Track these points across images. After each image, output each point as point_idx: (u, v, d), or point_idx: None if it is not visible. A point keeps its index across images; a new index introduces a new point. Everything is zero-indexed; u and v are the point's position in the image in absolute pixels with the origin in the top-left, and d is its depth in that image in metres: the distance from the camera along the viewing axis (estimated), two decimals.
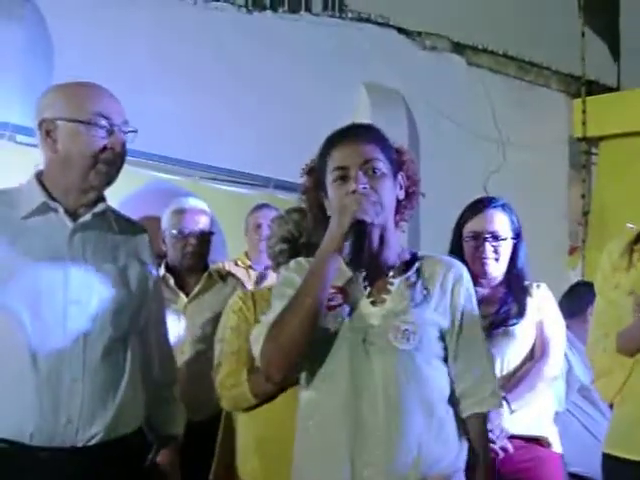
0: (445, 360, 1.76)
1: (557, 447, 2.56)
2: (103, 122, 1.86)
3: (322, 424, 1.72)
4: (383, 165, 1.74)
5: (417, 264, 1.79)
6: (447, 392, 1.75)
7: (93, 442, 1.80)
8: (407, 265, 1.78)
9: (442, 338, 1.75)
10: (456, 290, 1.76)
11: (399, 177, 1.80)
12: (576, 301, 3.31)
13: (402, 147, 1.86)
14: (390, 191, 1.75)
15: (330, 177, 1.75)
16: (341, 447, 1.67)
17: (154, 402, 2.04)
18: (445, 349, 1.76)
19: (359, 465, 1.66)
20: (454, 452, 1.72)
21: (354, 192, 1.67)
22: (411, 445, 1.65)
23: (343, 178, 1.72)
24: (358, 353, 1.70)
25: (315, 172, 1.81)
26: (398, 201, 1.80)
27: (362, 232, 1.66)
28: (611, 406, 2.25)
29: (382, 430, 1.66)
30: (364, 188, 1.68)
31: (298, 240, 2.29)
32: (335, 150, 1.76)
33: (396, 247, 1.80)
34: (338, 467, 1.67)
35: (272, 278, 2.77)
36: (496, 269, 2.57)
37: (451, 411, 1.74)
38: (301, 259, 1.83)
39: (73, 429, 1.78)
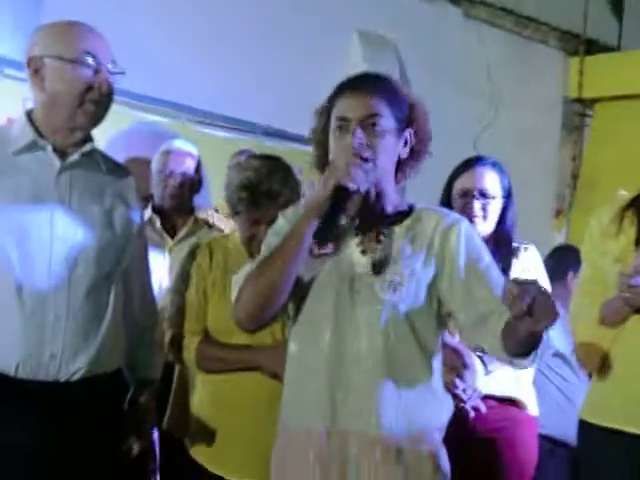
0: (437, 315, 1.73)
1: (533, 409, 2.58)
2: (90, 61, 1.86)
3: (304, 377, 1.73)
4: (386, 121, 1.69)
5: (412, 216, 1.76)
6: (434, 346, 1.73)
7: (75, 377, 1.85)
8: (403, 216, 1.76)
9: (434, 291, 1.72)
10: (451, 239, 1.71)
11: (406, 134, 1.74)
12: (557, 265, 3.31)
13: (417, 102, 1.79)
14: (390, 149, 1.71)
15: (332, 125, 1.72)
16: (323, 400, 1.68)
17: (135, 344, 2.08)
18: (438, 302, 1.73)
19: (342, 419, 1.66)
20: (438, 407, 1.73)
21: (350, 147, 1.64)
22: (394, 399, 1.66)
23: (342, 129, 1.69)
24: (344, 302, 1.69)
25: (324, 115, 1.77)
26: (400, 158, 1.75)
27: (343, 198, 1.62)
28: (590, 374, 2.27)
29: (365, 383, 1.66)
30: (359, 144, 1.65)
31: (258, 187, 2.22)
32: (341, 98, 1.73)
33: (393, 200, 1.77)
34: (320, 422, 1.68)
35: (231, 226, 2.72)
36: (483, 227, 2.54)
37: (437, 366, 1.73)
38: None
39: (56, 364, 1.83)
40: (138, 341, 2.09)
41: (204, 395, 2.33)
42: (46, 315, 1.82)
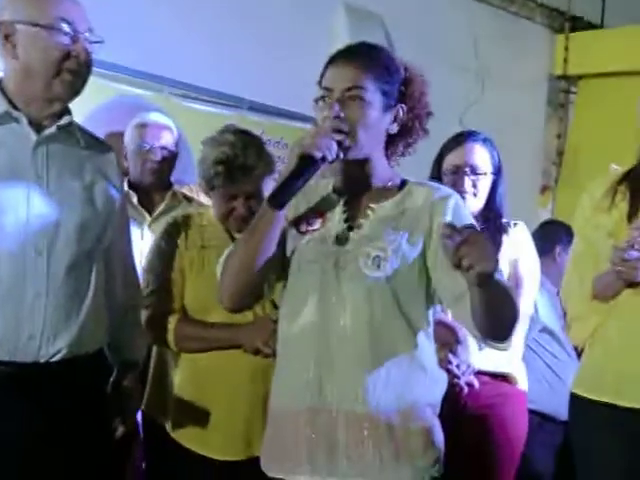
0: (426, 291, 1.68)
1: (523, 384, 2.58)
2: (66, 28, 1.78)
3: (291, 356, 1.70)
4: (370, 94, 1.64)
5: (403, 191, 1.72)
6: (422, 323, 1.68)
7: (56, 359, 1.79)
8: (393, 192, 1.72)
9: (422, 267, 1.67)
10: (439, 213, 1.66)
11: (397, 109, 1.70)
12: (544, 240, 3.30)
13: (415, 78, 1.74)
14: (373, 123, 1.66)
15: (318, 95, 1.69)
16: (309, 379, 1.64)
17: (118, 325, 2.02)
18: (427, 278, 1.68)
19: (329, 397, 1.63)
20: (429, 384, 1.69)
21: (327, 119, 1.62)
22: (381, 376, 1.62)
23: (325, 99, 1.66)
24: (329, 278, 1.66)
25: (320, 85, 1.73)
26: (390, 134, 1.71)
27: (308, 167, 1.58)
28: (582, 349, 2.26)
29: (351, 360, 1.63)
30: (335, 117, 1.61)
31: (233, 162, 2.18)
32: (329, 68, 1.70)
33: (383, 176, 1.73)
34: (307, 401, 1.65)
35: (206, 202, 2.67)
36: (473, 204, 2.52)
37: (426, 344, 1.68)
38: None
39: (35, 345, 1.77)
40: (121, 321, 2.03)
41: (184, 375, 2.29)
42: (24, 293, 1.75)
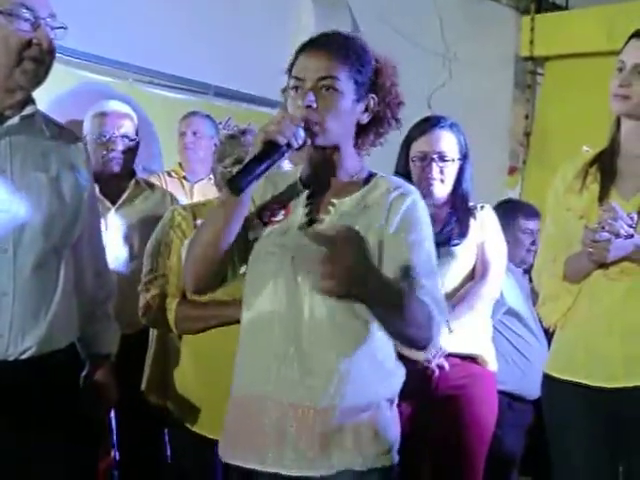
0: None
1: (492, 365, 2.61)
2: (26, 14, 1.71)
3: (248, 346, 1.69)
4: (342, 84, 1.62)
5: (368, 185, 1.70)
6: None
7: (25, 356, 1.75)
8: (356, 187, 1.70)
9: (379, 263, 1.62)
10: (394, 209, 1.64)
11: (368, 99, 1.67)
12: (505, 219, 3.30)
13: (386, 67, 1.71)
14: (345, 113, 1.63)
15: (290, 84, 1.66)
16: (264, 370, 1.63)
17: (88, 319, 1.98)
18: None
19: (281, 390, 1.61)
20: (385, 379, 1.67)
21: (300, 109, 1.59)
22: (336, 371, 1.59)
23: (297, 89, 1.64)
24: (286, 271, 1.64)
25: (288, 74, 1.70)
26: (360, 124, 1.68)
27: (271, 153, 1.56)
28: (549, 330, 2.28)
29: (307, 355, 1.60)
30: (307, 107, 1.60)
31: None
32: (300, 57, 1.66)
33: (350, 168, 1.71)
34: (260, 391, 1.63)
35: (212, 193, 2.68)
36: (441, 190, 2.55)
37: (384, 337, 1.62)
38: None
39: (4, 343, 1.72)
40: (91, 315, 2.00)
41: (185, 355, 2.34)
42: None
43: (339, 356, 1.60)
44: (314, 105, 1.60)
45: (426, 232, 1.67)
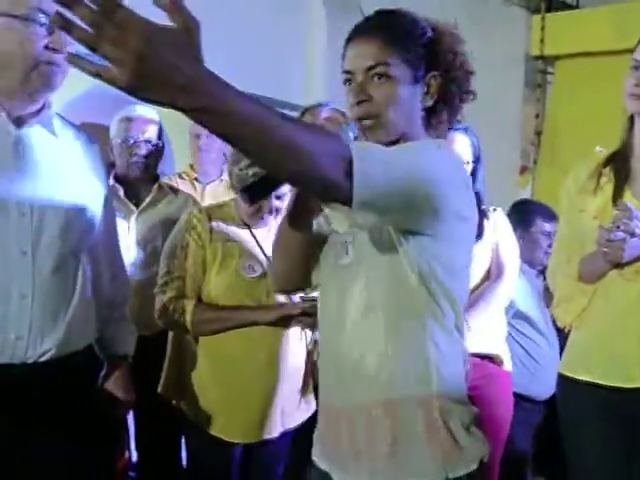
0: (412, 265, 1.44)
1: (508, 365, 2.64)
2: (42, 18, 1.71)
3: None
4: (395, 69, 1.47)
5: None
6: (412, 299, 1.45)
7: (44, 359, 1.76)
8: None
9: (394, 239, 1.44)
10: None
11: (428, 79, 1.51)
12: (523, 220, 3.29)
13: (442, 36, 1.53)
14: (405, 100, 1.49)
15: (342, 77, 1.55)
16: (326, 374, 1.58)
17: (105, 322, 1.99)
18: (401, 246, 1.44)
19: (340, 395, 1.53)
20: (409, 375, 1.49)
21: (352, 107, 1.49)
22: (363, 370, 1.48)
23: (349, 82, 1.52)
24: (332, 269, 1.56)
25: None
26: (425, 108, 1.53)
27: None
28: (562, 331, 2.28)
29: (333, 358, 1.53)
30: (359, 102, 1.48)
31: None
32: (347, 49, 1.52)
33: None
34: (328, 397, 1.58)
35: (224, 194, 2.67)
36: None
37: (416, 326, 1.45)
38: None
39: (23, 345, 1.73)
40: (108, 318, 2.01)
41: (201, 358, 2.36)
42: (10, 295, 1.71)
43: (362, 351, 1.48)
44: (360, 98, 1.47)
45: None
